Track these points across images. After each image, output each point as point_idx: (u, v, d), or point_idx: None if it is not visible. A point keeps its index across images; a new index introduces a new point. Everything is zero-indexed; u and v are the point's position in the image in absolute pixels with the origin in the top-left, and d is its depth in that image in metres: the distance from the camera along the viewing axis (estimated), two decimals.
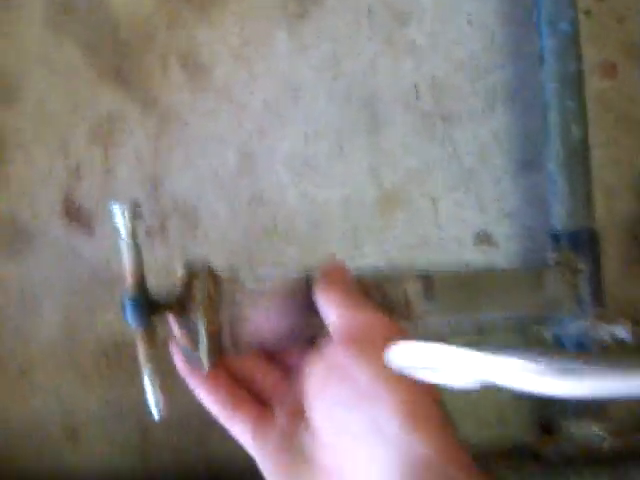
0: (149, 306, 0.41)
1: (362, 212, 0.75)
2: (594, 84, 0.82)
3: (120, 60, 0.74)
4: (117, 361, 0.72)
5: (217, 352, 0.42)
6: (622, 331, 0.70)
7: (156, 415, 0.40)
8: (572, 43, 0.74)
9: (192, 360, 0.42)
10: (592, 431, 0.71)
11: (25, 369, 0.73)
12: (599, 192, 0.79)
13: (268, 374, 0.43)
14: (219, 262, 0.44)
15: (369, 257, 0.74)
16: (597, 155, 0.80)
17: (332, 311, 0.39)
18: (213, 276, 0.43)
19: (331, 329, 0.39)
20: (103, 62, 0.75)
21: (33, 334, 0.73)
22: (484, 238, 0.78)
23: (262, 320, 0.42)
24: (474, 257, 0.77)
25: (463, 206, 0.77)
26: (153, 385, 0.40)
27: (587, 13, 0.83)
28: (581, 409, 0.72)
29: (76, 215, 0.72)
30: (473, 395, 0.72)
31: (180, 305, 0.42)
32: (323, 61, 0.76)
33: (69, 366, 0.72)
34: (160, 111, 0.74)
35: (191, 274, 0.43)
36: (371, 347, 0.37)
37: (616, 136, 0.82)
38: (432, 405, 0.36)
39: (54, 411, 0.72)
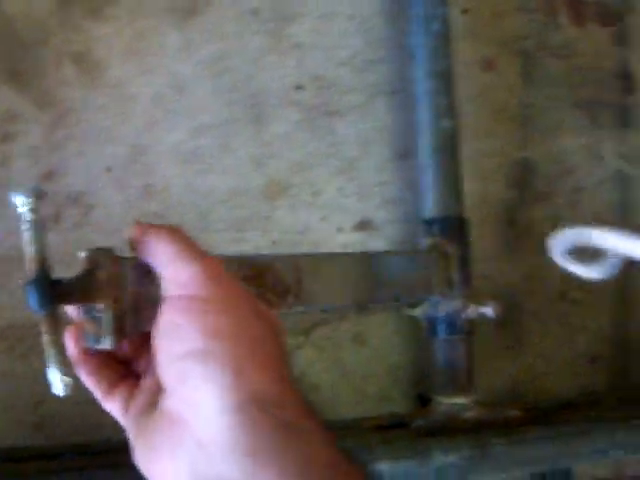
0: (52, 291, 0.42)
1: (247, 201, 0.80)
2: (473, 78, 0.87)
3: (15, 60, 0.77)
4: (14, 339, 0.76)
5: (121, 332, 0.44)
6: (488, 310, 0.75)
7: (62, 394, 0.43)
8: (443, 41, 0.79)
9: (91, 342, 0.45)
10: (458, 403, 0.77)
11: None
12: (476, 180, 0.85)
13: (144, 346, 0.45)
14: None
15: (253, 243, 0.79)
16: (475, 146, 0.86)
17: (162, 267, 0.42)
18: (115, 258, 0.45)
19: (163, 285, 0.41)
20: None
21: None
22: (365, 223, 0.83)
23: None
24: (355, 241, 0.82)
25: (345, 194, 0.83)
26: (57, 367, 0.43)
27: (465, 11, 0.88)
28: (450, 383, 0.78)
29: None
30: (356, 371, 0.78)
31: (83, 289, 0.45)
32: (210, 57, 0.81)
33: None
34: (55, 107, 0.78)
35: (93, 259, 0.45)
36: (198, 300, 0.39)
37: (494, 127, 0.88)
38: (267, 348, 0.39)
39: None
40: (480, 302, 0.75)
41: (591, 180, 0.90)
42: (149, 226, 0.43)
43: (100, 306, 0.44)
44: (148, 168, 0.79)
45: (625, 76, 0.92)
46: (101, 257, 0.45)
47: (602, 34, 0.92)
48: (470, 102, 0.86)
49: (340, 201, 0.82)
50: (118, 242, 0.67)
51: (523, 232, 0.88)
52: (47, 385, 0.40)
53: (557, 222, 0.89)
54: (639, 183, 0.92)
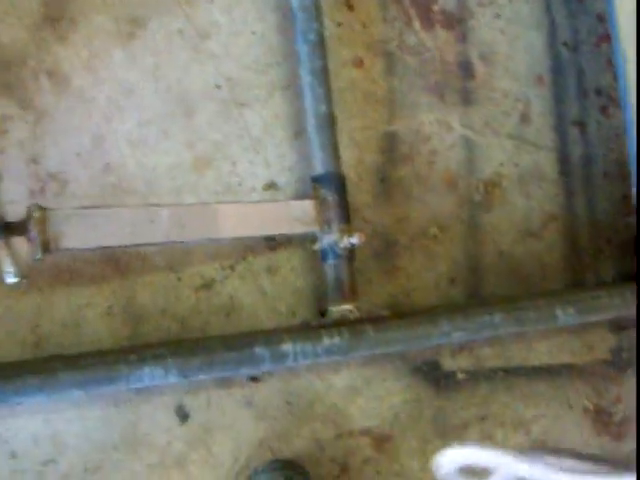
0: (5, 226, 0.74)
1: (182, 173, 1.09)
2: (347, 73, 1.17)
3: (3, 76, 1.05)
4: None
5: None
6: (355, 239, 1.05)
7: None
8: (318, 47, 1.08)
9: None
10: (345, 308, 1.06)
11: None
12: (354, 149, 1.14)
13: None
14: None
15: (189, 201, 1.08)
16: (351, 123, 1.15)
17: None
18: (42, 209, 0.76)
19: None
20: None
21: None
22: (271, 185, 1.12)
23: None
24: (264, 198, 1.11)
25: (255, 164, 1.12)
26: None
27: (339, 24, 1.17)
28: (339, 295, 1.07)
29: None
30: (271, 294, 1.06)
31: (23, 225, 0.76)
32: (149, 68, 1.09)
33: None
34: (35, 110, 1.06)
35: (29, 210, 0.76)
36: None
37: (365, 109, 1.17)
38: None
39: None
40: (350, 234, 1.05)
41: (443, 145, 1.20)
42: None
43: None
44: (107, 152, 1.07)
45: (465, 65, 1.22)
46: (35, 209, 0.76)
47: (447, 35, 1.22)
48: (346, 91, 1.15)
49: (251, 169, 1.11)
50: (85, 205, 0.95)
51: (392, 187, 1.17)
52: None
53: (419, 179, 1.19)
54: (480, 145, 1.22)
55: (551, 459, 0.62)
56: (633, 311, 1.11)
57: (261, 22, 1.12)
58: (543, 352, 1.22)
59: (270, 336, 0.98)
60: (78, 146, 1.04)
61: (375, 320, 1.02)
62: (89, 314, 1.02)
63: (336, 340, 0.97)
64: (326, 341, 0.97)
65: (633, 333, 1.26)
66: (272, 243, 1.09)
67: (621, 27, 1.13)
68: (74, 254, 1.01)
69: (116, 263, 1.04)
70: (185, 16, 1.10)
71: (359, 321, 1.02)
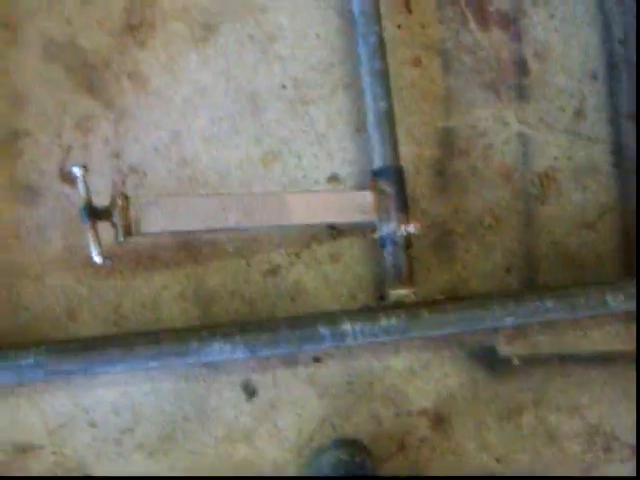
0: (91, 212, 0.85)
1: (251, 166, 1.17)
2: (406, 72, 1.23)
3: (90, 79, 1.15)
4: None
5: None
6: (412, 228, 1.11)
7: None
8: (378, 49, 1.15)
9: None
10: (402, 293, 1.12)
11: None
12: (412, 144, 1.21)
13: None
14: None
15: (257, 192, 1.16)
16: (410, 120, 1.21)
17: None
18: (126, 197, 0.86)
19: None
20: (79, 79, 1.16)
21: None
22: (334, 177, 1.19)
23: None
24: (328, 190, 1.18)
25: (318, 158, 1.19)
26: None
27: (399, 26, 1.24)
28: (396, 281, 1.13)
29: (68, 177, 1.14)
30: (333, 280, 1.13)
31: (108, 211, 0.86)
32: (221, 69, 1.18)
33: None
34: (117, 108, 1.16)
35: (114, 198, 0.87)
36: None
37: (423, 106, 1.24)
38: None
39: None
40: (407, 224, 1.11)
41: (499, 139, 1.25)
42: None
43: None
44: (183, 146, 1.16)
45: (520, 63, 1.27)
46: (118, 197, 0.86)
47: (502, 34, 1.28)
48: (404, 89, 1.22)
49: (315, 163, 1.19)
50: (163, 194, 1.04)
51: (449, 179, 1.23)
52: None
53: (475, 172, 1.24)
54: (535, 140, 1.26)
55: None
56: None
57: (324, 25, 1.19)
58: (597, 340, 1.25)
59: (331, 317, 1.05)
60: (156, 141, 1.13)
61: (431, 303, 1.08)
62: (165, 296, 1.10)
63: (393, 321, 1.04)
64: (383, 322, 1.03)
65: None
66: (334, 232, 1.16)
67: None
68: (153, 241, 1.10)
69: (190, 250, 1.12)
70: (255, 21, 1.18)
71: (415, 304, 1.08)
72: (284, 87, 1.17)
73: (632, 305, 1.12)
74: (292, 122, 1.17)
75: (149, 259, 1.11)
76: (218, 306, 1.12)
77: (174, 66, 1.15)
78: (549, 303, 1.09)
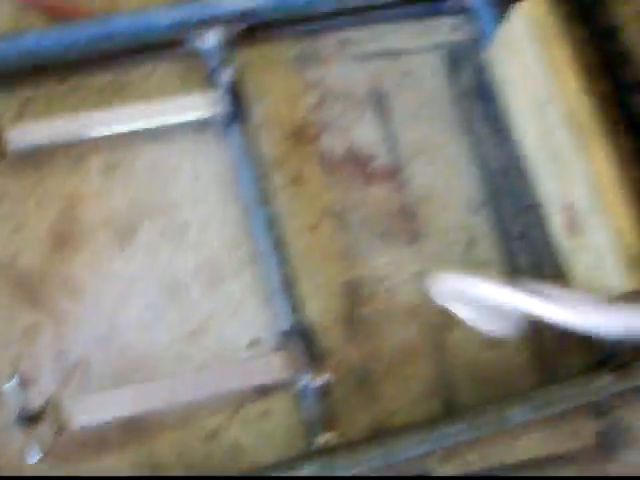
0: (26, 419, 0.99)
1: (179, 345, 1.33)
2: (305, 238, 1.40)
3: (28, 292, 1.33)
4: None
5: None
6: (325, 378, 1.25)
7: None
8: (273, 225, 1.33)
9: None
10: (325, 438, 1.25)
11: None
12: (320, 300, 1.36)
13: None
14: None
15: (188, 367, 1.31)
16: (315, 279, 1.37)
17: None
18: (56, 399, 1.01)
19: None
20: (22, 294, 1.34)
21: None
22: (255, 341, 1.34)
23: None
24: (251, 353, 1.33)
25: (238, 327, 1.35)
26: None
27: (293, 197, 1.42)
28: (320, 427, 1.26)
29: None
30: (264, 432, 1.27)
31: (42, 413, 1.00)
32: (143, 263, 1.35)
33: None
34: (58, 313, 1.33)
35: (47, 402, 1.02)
36: None
37: (325, 265, 1.40)
38: None
39: None
40: (321, 374, 1.25)
41: (398, 281, 1.40)
42: None
43: None
44: (120, 336, 1.32)
45: (407, 209, 1.44)
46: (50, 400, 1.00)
47: (387, 186, 1.45)
48: (305, 252, 1.38)
49: (236, 331, 1.34)
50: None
51: (359, 326, 1.36)
52: None
53: (382, 314, 1.39)
54: (432, 275, 1.41)
55: (536, 287, 0.71)
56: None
57: (225, 212, 1.37)
58: (527, 446, 1.35)
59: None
60: (96, 335, 1.29)
61: (352, 443, 1.21)
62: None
63: (314, 468, 1.16)
64: (305, 469, 1.16)
65: (615, 415, 1.38)
66: (262, 390, 1.30)
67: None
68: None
69: (135, 427, 1.27)
70: (168, 217, 1.37)
71: (338, 446, 1.21)
72: (200, 269, 1.34)
73: (537, 415, 1.24)
74: (210, 299, 1.33)
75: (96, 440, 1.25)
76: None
77: (103, 268, 1.33)
78: (460, 426, 1.21)
